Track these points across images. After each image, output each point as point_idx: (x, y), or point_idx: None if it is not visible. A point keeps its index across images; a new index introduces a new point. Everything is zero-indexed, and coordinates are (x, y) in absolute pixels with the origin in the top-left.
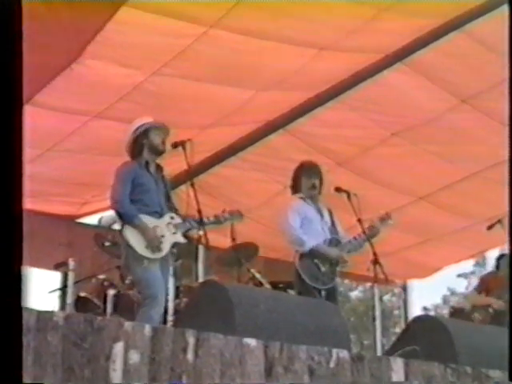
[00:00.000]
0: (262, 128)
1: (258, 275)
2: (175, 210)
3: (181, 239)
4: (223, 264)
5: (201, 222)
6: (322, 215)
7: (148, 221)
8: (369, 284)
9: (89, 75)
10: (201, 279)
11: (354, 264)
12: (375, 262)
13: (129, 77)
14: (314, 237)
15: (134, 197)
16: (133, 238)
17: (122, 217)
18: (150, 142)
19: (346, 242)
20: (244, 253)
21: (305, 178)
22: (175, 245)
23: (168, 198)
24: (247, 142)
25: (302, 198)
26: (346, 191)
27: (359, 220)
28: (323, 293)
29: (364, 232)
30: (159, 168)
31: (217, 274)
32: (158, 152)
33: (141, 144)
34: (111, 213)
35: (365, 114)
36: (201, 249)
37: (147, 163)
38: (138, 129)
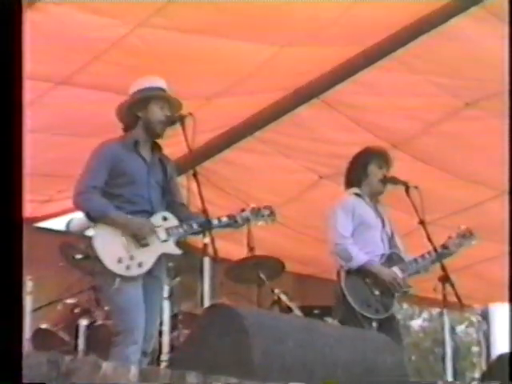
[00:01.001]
0: (289, 97)
1: (284, 297)
2: (182, 206)
3: (173, 249)
4: (237, 279)
5: (207, 225)
6: (383, 221)
7: None
8: (436, 310)
9: (50, 26)
10: (207, 303)
11: (415, 283)
12: (445, 279)
13: (106, 29)
14: (369, 249)
15: (111, 190)
16: (103, 244)
17: (90, 215)
18: (148, 115)
19: (411, 260)
20: (265, 270)
21: (375, 167)
22: (165, 257)
23: (167, 190)
24: (268, 116)
25: (357, 194)
26: (403, 183)
27: (422, 222)
28: (374, 324)
29: (435, 250)
30: (156, 148)
31: (228, 295)
32: (155, 133)
33: (134, 116)
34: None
35: (428, 77)
36: (206, 261)
37: (136, 143)
38: (136, 93)
